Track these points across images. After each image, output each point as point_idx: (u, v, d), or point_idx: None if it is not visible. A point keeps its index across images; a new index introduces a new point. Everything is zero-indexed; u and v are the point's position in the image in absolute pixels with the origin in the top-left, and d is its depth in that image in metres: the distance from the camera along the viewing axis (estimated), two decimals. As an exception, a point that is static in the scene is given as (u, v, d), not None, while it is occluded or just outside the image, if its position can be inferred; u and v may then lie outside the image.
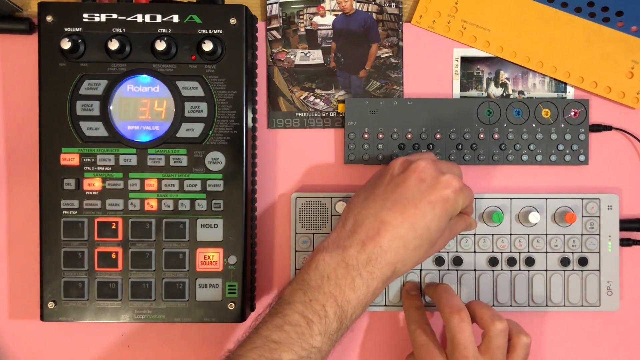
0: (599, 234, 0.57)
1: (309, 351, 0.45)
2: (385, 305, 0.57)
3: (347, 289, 0.46)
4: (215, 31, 0.53)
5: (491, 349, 0.49)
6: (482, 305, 0.52)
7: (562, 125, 0.58)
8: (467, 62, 0.59)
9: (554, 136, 0.57)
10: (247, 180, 0.54)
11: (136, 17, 0.53)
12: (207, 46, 0.52)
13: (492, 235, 0.57)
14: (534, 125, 0.58)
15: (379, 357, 0.59)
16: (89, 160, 0.53)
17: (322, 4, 0.58)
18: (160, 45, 0.51)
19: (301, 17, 0.58)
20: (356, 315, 0.47)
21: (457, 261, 0.57)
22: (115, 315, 0.53)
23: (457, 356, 0.48)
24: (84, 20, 0.53)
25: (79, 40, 0.52)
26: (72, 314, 0.53)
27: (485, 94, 0.59)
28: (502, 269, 0.57)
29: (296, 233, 0.57)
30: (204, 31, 0.53)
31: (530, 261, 0.57)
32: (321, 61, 0.59)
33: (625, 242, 0.58)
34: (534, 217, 0.56)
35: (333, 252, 0.47)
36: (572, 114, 0.58)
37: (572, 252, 0.57)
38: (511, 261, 0.57)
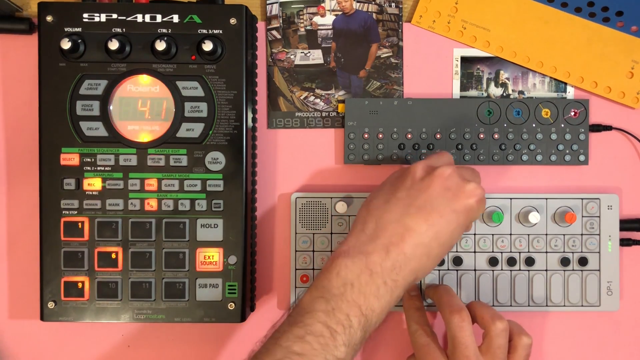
0: (599, 234, 0.57)
1: None
2: (385, 305, 0.57)
3: (372, 297, 0.45)
4: (215, 31, 0.53)
5: (492, 348, 0.49)
6: (483, 305, 0.52)
7: (562, 125, 0.58)
8: (467, 62, 0.59)
9: (554, 136, 0.57)
10: (247, 180, 0.54)
11: (136, 17, 0.53)
12: (207, 46, 0.52)
13: (492, 235, 0.57)
14: (534, 125, 0.58)
15: (380, 357, 0.59)
16: (89, 160, 0.53)
17: (322, 4, 0.58)
18: (160, 45, 0.51)
19: (301, 17, 0.58)
20: (379, 324, 0.46)
21: (457, 261, 0.57)
22: (115, 315, 0.53)
23: (459, 356, 0.48)
24: (84, 20, 0.53)
25: (79, 40, 0.52)
26: (72, 314, 0.53)
27: (485, 94, 0.59)
28: (502, 269, 0.57)
29: (296, 233, 0.57)
30: (204, 31, 0.53)
31: (530, 261, 0.57)
32: (321, 61, 0.59)
33: (625, 242, 0.58)
34: (534, 217, 0.56)
35: (355, 258, 0.45)
36: (572, 114, 0.58)
37: (572, 252, 0.57)
38: (511, 261, 0.57)
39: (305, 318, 0.44)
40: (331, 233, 0.57)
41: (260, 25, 0.59)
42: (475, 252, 0.57)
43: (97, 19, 0.53)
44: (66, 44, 0.51)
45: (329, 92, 0.59)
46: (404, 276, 0.46)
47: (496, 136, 0.58)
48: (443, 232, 0.46)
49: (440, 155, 0.52)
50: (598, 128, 0.58)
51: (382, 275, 0.45)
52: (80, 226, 0.53)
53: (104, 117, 0.53)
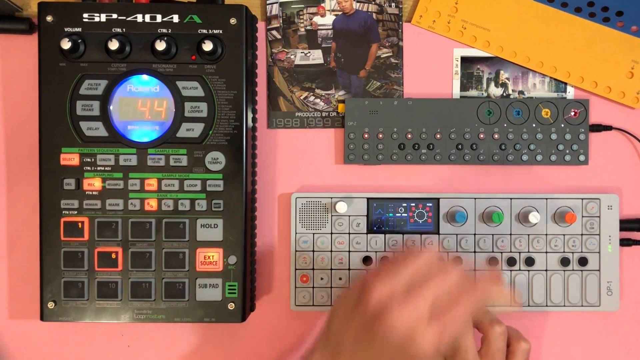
0: (599, 234, 0.57)
1: None
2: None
3: None
4: (215, 31, 0.53)
5: (491, 352, 0.49)
6: (482, 309, 0.52)
7: (562, 125, 0.58)
8: (467, 62, 0.59)
9: (554, 136, 0.57)
10: (247, 180, 0.54)
11: (136, 17, 0.53)
12: (207, 46, 0.52)
13: (492, 235, 0.57)
14: (534, 125, 0.58)
15: None
16: (89, 160, 0.53)
17: (322, 4, 0.58)
18: (160, 45, 0.51)
19: (301, 17, 0.58)
20: None
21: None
22: (115, 315, 0.53)
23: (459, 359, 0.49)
24: (84, 20, 0.53)
25: (79, 40, 0.52)
26: (72, 314, 0.53)
27: (485, 94, 0.59)
28: (502, 269, 0.57)
29: (296, 233, 0.57)
30: (204, 31, 0.53)
31: (530, 261, 0.57)
32: (321, 61, 0.59)
33: (625, 242, 0.58)
34: (534, 217, 0.56)
35: None
36: (572, 114, 0.58)
37: (572, 252, 0.57)
38: (511, 261, 0.57)
39: None
40: (331, 233, 0.57)
41: (260, 25, 0.59)
42: (475, 252, 0.57)
43: (97, 19, 0.53)
44: (66, 44, 0.51)
45: (329, 92, 0.59)
46: None
47: (496, 136, 0.58)
48: None
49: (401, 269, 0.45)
50: (598, 128, 0.58)
51: None
52: (80, 226, 0.53)
53: (104, 117, 0.53)
